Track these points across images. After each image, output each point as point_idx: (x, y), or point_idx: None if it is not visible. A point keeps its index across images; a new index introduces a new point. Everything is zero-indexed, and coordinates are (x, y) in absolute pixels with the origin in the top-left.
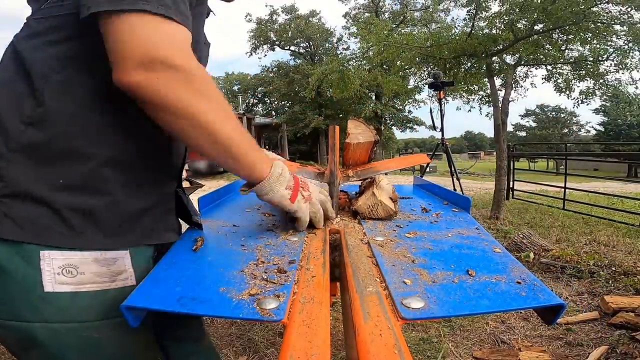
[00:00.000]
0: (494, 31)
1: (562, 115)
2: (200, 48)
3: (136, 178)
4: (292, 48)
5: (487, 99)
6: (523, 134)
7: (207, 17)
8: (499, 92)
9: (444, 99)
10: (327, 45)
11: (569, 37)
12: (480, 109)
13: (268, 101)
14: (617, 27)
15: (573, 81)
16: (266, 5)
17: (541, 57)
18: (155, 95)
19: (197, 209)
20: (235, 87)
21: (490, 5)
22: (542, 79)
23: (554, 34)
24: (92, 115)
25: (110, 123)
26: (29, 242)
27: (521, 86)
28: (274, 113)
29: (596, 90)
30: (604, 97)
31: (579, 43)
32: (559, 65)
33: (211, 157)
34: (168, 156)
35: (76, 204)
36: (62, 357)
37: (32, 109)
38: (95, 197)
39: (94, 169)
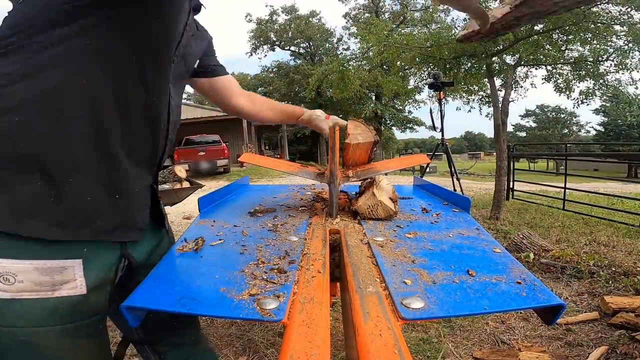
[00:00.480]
0: None
1: (562, 116)
2: (187, 38)
3: (98, 164)
4: (292, 48)
5: (487, 99)
6: (523, 134)
7: (196, 12)
8: (499, 92)
9: (444, 100)
10: (327, 45)
11: (569, 37)
12: (480, 109)
13: None
14: (617, 27)
15: (573, 81)
16: (266, 6)
17: (541, 57)
18: None
19: (165, 212)
20: None
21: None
22: (542, 79)
23: (554, 34)
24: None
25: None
26: None
27: (521, 86)
28: None
29: (596, 91)
30: (604, 97)
31: (579, 43)
32: (559, 65)
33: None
34: (146, 144)
35: (22, 185)
36: (3, 358)
37: None
38: (46, 181)
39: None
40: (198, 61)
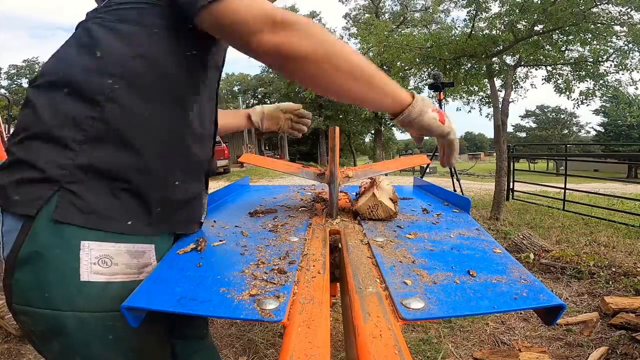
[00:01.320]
0: (494, 32)
1: (562, 116)
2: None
3: (186, 172)
4: None
5: (487, 100)
6: (523, 134)
7: None
8: (499, 92)
9: (444, 100)
10: None
11: (569, 37)
12: (480, 109)
13: (268, 102)
14: (617, 27)
15: (573, 82)
16: None
17: (541, 57)
18: (296, 48)
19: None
20: (236, 88)
21: (491, 6)
22: (542, 79)
23: (554, 35)
24: (154, 111)
25: (167, 118)
26: (87, 226)
27: (521, 87)
28: None
29: (596, 91)
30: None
31: (579, 44)
32: (559, 66)
33: (354, 94)
34: (203, 152)
35: (129, 193)
36: (87, 346)
37: (98, 103)
38: (151, 186)
39: (151, 161)
40: None
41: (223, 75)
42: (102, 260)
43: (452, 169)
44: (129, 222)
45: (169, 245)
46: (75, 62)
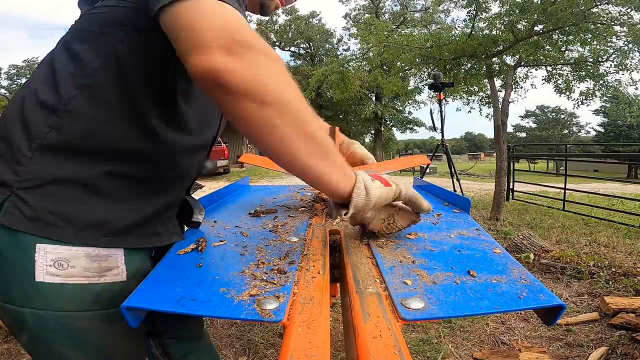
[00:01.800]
0: (494, 32)
1: (562, 116)
2: None
3: (150, 187)
4: (292, 49)
5: (487, 100)
6: (523, 135)
7: None
8: (499, 93)
9: (444, 100)
10: (327, 46)
11: (569, 38)
12: (480, 110)
13: None
14: (617, 28)
15: (573, 82)
16: None
17: (541, 58)
18: (239, 80)
19: (201, 206)
20: None
21: (490, 6)
22: (542, 80)
23: (554, 35)
24: (118, 122)
25: (135, 130)
26: (30, 232)
27: (521, 87)
28: None
29: (596, 91)
30: (604, 98)
31: (579, 44)
32: (559, 66)
33: (294, 156)
34: (187, 167)
35: (85, 203)
36: (48, 342)
37: (56, 113)
38: (106, 199)
39: (110, 172)
40: None
41: None
42: (57, 263)
43: (452, 169)
44: (78, 232)
45: (147, 251)
46: (41, 71)
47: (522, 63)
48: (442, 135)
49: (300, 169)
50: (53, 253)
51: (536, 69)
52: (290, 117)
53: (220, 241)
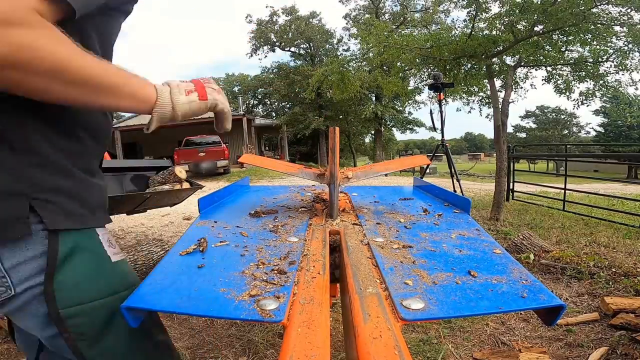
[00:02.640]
0: (494, 32)
1: (562, 117)
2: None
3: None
4: (293, 49)
5: (487, 100)
6: (523, 135)
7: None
8: (499, 93)
9: (444, 101)
10: (327, 46)
11: (569, 38)
12: (480, 110)
13: (268, 102)
14: (617, 28)
15: (573, 82)
16: (267, 7)
17: (541, 58)
18: None
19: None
20: (236, 88)
21: (490, 6)
22: (542, 80)
23: (554, 35)
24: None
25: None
26: (86, 226)
27: (521, 87)
28: (274, 114)
29: (596, 92)
30: (604, 98)
31: (579, 44)
32: (559, 66)
33: (78, 101)
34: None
35: (92, 186)
36: (144, 325)
37: None
38: (98, 180)
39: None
40: None
41: (222, 75)
42: (111, 243)
43: (452, 170)
44: (98, 215)
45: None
46: None
47: (522, 63)
48: (442, 136)
49: (97, 107)
50: (103, 236)
51: (536, 69)
52: (48, 69)
53: (221, 242)
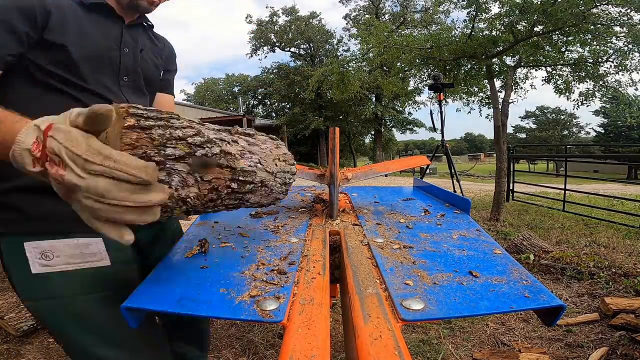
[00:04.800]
0: (493, 33)
1: (562, 117)
2: (131, 56)
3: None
4: (293, 49)
5: (487, 101)
6: (523, 135)
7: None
8: (498, 93)
9: (443, 101)
10: (327, 46)
11: (569, 38)
12: (480, 110)
13: (268, 103)
14: (617, 28)
15: (573, 83)
16: (267, 7)
17: (541, 58)
18: None
19: None
20: (236, 89)
21: (490, 7)
22: (542, 80)
23: (553, 36)
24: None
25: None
26: (16, 233)
27: (521, 88)
28: (274, 114)
29: (596, 92)
30: (604, 98)
31: (578, 44)
32: (559, 66)
33: None
34: None
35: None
36: (63, 329)
37: None
38: None
39: None
40: (162, 72)
41: (222, 75)
42: (43, 255)
43: (452, 170)
44: (56, 224)
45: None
46: None
47: (522, 64)
48: (442, 136)
49: None
50: (39, 247)
51: (536, 70)
52: None
53: (222, 242)
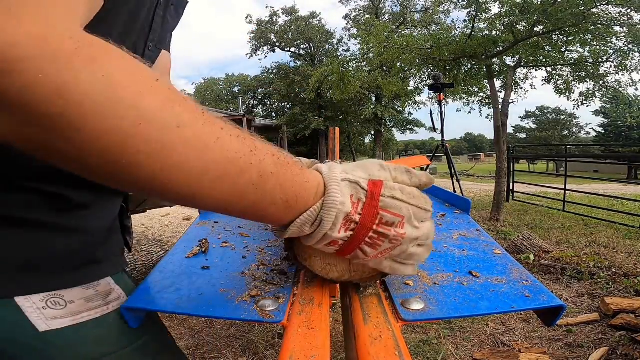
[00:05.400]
0: (494, 33)
1: (562, 117)
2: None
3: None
4: (293, 49)
5: (487, 101)
6: (523, 135)
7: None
8: (499, 93)
9: (444, 101)
10: (327, 46)
11: (569, 38)
12: (480, 110)
13: (268, 102)
14: (617, 28)
15: (573, 83)
16: (267, 7)
17: (541, 58)
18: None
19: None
20: (236, 89)
21: (490, 7)
22: (542, 80)
23: (553, 36)
24: None
25: None
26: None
27: (521, 88)
28: (274, 114)
29: (596, 92)
30: (604, 98)
31: (578, 44)
32: (559, 66)
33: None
34: None
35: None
36: None
37: None
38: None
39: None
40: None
41: (222, 75)
42: (52, 302)
43: (452, 170)
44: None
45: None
46: None
47: (522, 64)
48: (442, 136)
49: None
50: (37, 297)
51: (536, 70)
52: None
53: (222, 242)
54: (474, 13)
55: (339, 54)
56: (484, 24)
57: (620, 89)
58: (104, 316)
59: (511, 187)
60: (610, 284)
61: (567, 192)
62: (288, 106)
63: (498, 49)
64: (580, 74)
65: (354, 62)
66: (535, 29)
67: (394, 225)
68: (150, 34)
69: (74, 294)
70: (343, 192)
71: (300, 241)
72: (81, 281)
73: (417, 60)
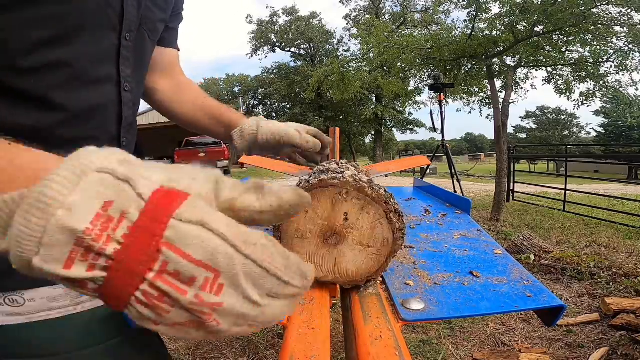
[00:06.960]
0: (494, 33)
1: (563, 117)
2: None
3: None
4: (293, 50)
5: (487, 101)
6: (523, 135)
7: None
8: (499, 93)
9: (444, 101)
10: (327, 46)
11: (569, 38)
12: (481, 110)
13: (269, 103)
14: (617, 28)
15: (573, 83)
16: (267, 7)
17: (541, 58)
18: None
19: None
20: (236, 89)
21: (491, 7)
22: (543, 80)
23: (554, 36)
24: None
25: None
26: None
27: (521, 88)
28: (274, 115)
29: (596, 92)
30: (605, 98)
31: (579, 45)
32: (559, 66)
33: None
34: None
35: None
36: None
37: None
38: None
39: None
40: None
41: (222, 75)
42: (9, 299)
43: (453, 170)
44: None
45: None
46: None
47: (523, 64)
48: (443, 136)
49: None
50: None
51: (536, 70)
52: None
53: None
54: (474, 13)
55: (339, 54)
56: (484, 24)
57: (620, 89)
58: (70, 316)
59: (511, 187)
60: (611, 284)
61: (567, 192)
62: (288, 106)
63: (498, 49)
64: (581, 74)
65: (354, 62)
66: (536, 29)
67: (195, 283)
68: (123, 24)
69: (37, 294)
70: (82, 191)
71: (285, 233)
72: (45, 282)
73: (418, 60)
